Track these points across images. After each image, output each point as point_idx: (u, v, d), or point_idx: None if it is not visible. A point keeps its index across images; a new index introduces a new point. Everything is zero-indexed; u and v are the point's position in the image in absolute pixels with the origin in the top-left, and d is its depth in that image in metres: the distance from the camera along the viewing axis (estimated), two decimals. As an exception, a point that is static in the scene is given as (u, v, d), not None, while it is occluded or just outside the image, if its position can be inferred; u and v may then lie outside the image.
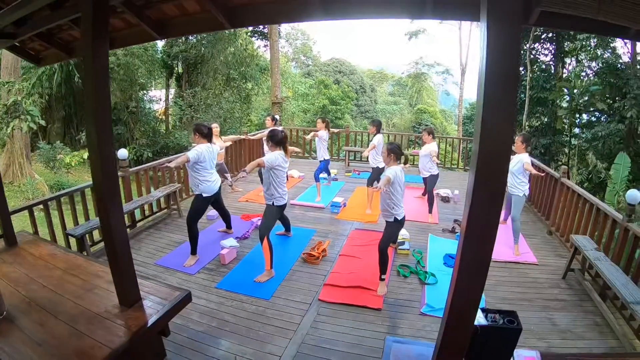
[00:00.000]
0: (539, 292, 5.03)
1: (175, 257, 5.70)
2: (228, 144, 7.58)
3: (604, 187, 12.78)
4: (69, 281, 3.69)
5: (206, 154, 5.43)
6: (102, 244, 5.91)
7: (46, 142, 14.16)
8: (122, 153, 6.49)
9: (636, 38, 3.02)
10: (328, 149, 8.80)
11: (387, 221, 4.94)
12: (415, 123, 31.86)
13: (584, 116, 14.82)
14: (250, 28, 20.05)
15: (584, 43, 14.62)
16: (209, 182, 5.56)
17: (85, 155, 13.07)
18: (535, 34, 15.60)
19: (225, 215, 6.41)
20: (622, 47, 15.06)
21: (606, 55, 15.00)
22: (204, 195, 5.55)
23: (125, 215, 6.37)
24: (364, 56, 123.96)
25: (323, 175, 8.77)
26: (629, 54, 14.36)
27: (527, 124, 16.11)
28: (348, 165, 11.85)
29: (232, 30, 17.98)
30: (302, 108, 27.56)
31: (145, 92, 17.26)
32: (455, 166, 12.51)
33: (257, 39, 21.72)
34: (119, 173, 6.60)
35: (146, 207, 7.01)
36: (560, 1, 2.43)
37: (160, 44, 18.83)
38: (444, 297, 4.65)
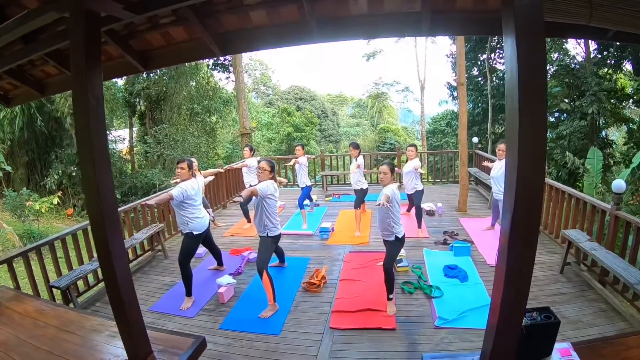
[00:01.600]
0: (541, 289, 5.09)
1: (170, 301, 5.42)
2: (211, 178, 7.41)
3: (573, 183, 13.21)
4: (66, 339, 3.40)
5: (191, 190, 5.22)
6: (88, 294, 5.66)
7: (12, 190, 13.59)
8: None
9: (614, 39, 3.16)
10: (309, 175, 8.76)
11: (387, 241, 4.85)
12: (379, 142, 32.15)
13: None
14: (211, 61, 19.98)
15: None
16: (199, 218, 5.35)
17: (55, 200, 12.61)
18: (491, 44, 16.19)
19: (215, 252, 6.17)
20: (574, 49, 15.87)
21: (555, 57, 15.69)
22: (195, 233, 5.32)
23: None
24: (323, 81, 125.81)
25: (306, 202, 8.68)
26: (583, 54, 15.06)
27: (491, 130, 16.55)
28: (326, 190, 11.80)
29: (194, 63, 18.10)
30: (267, 137, 27.54)
31: (109, 132, 16.71)
32: (425, 180, 12.59)
33: (218, 72, 21.69)
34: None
35: (130, 251, 6.70)
36: (560, 11, 2.53)
37: (120, 82, 18.58)
38: (454, 308, 4.70)
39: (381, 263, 5.12)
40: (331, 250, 6.91)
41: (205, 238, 5.71)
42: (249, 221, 8.48)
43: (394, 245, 4.78)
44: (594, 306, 4.63)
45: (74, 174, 14.98)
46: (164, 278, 6.22)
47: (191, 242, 5.35)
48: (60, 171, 14.87)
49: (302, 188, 8.26)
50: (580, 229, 5.77)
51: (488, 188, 9.35)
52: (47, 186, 14.82)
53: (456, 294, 5.08)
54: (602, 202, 5.53)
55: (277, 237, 5.13)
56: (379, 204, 4.37)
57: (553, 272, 5.56)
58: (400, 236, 4.73)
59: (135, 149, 19.33)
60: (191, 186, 5.25)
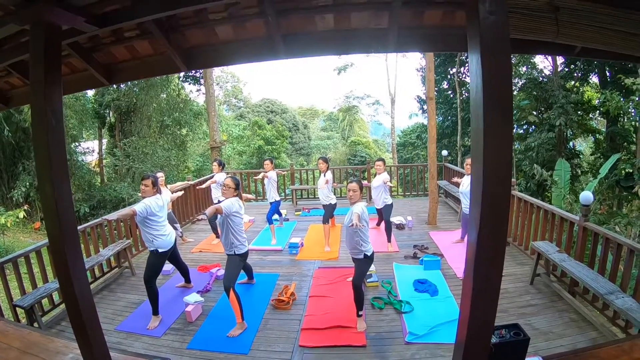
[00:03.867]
0: (511, 302, 5.14)
1: (136, 320, 5.23)
2: (179, 193, 7.20)
3: (542, 193, 13.50)
4: (29, 364, 3.25)
5: (155, 207, 5.06)
6: (54, 312, 5.41)
7: (-24, 202, 12.99)
8: None
9: (581, 54, 3.23)
10: (278, 189, 8.66)
11: (356, 259, 4.81)
12: (350, 155, 32.34)
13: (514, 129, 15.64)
14: (182, 73, 19.70)
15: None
16: (164, 235, 5.19)
17: (21, 214, 12.11)
18: (460, 58, 16.49)
19: (183, 269, 6.00)
20: (541, 62, 16.31)
21: (523, 70, 16.11)
22: (160, 250, 5.16)
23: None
24: (294, 94, 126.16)
25: (275, 216, 8.57)
26: (551, 68, 15.46)
27: (461, 143, 16.81)
28: (296, 204, 11.70)
29: (165, 75, 17.82)
30: (238, 151, 27.28)
31: (77, 143, 16.46)
32: (395, 193, 12.64)
33: (189, 84, 21.48)
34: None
35: (96, 268, 6.45)
36: (527, 29, 2.55)
37: (90, 92, 18.16)
38: (424, 323, 4.68)
39: (351, 279, 5.06)
40: (300, 266, 6.82)
41: (172, 255, 5.56)
42: (218, 236, 8.32)
43: (363, 263, 4.74)
44: (564, 316, 4.70)
45: None
46: (131, 296, 6.00)
47: (156, 260, 5.19)
48: (27, 183, 14.35)
49: (271, 203, 8.15)
50: (549, 240, 5.87)
51: (458, 201, 9.44)
52: (13, 199, 14.35)
53: (426, 309, 5.06)
54: (570, 214, 5.64)
55: (245, 255, 5.04)
56: (351, 225, 4.32)
57: (523, 284, 5.62)
58: (369, 254, 4.70)
59: (104, 161, 18.96)
60: (155, 202, 5.10)
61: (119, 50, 3.47)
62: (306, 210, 10.76)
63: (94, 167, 18.32)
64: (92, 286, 6.30)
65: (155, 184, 5.21)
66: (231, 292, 4.69)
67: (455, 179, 7.72)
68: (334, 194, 8.18)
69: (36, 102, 2.47)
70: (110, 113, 18.64)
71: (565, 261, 4.97)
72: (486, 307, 2.17)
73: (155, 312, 5.14)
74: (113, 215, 5.00)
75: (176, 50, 3.18)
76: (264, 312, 5.27)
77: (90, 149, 18.56)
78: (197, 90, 21.43)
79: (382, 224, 7.69)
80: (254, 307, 5.34)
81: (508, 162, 1.98)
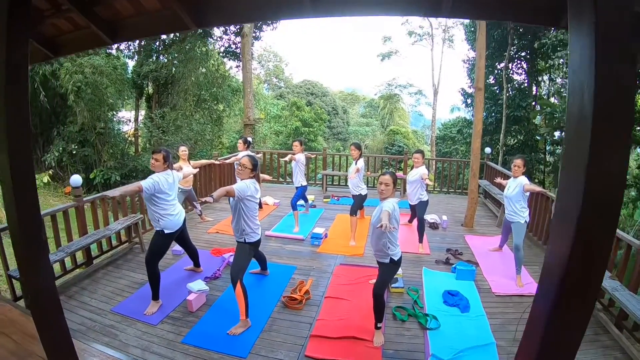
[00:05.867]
0: None
1: (135, 303, 4.84)
2: (195, 170, 6.77)
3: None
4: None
5: (164, 184, 4.61)
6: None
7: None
8: (75, 180, 5.70)
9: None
10: (305, 174, 8.14)
11: (381, 262, 4.21)
12: (387, 144, 31.93)
13: (557, 133, 14.60)
14: (223, 48, 19.43)
15: (556, 62, 14.55)
16: (172, 215, 4.74)
17: (45, 178, 12.12)
18: (510, 53, 15.55)
19: (192, 252, 5.57)
20: None
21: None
22: (166, 231, 4.72)
23: (80, 252, 5.58)
24: (336, 78, 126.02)
25: (300, 202, 8.06)
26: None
27: (503, 142, 15.91)
28: (326, 190, 11.17)
29: (204, 49, 17.84)
30: (275, 130, 27.01)
31: (114, 112, 16.48)
32: (432, 189, 11.94)
33: (229, 60, 21.19)
34: (71, 202, 5.79)
35: (104, 241, 6.14)
36: None
37: (130, 63, 18.26)
38: (451, 345, 3.97)
39: (374, 281, 4.50)
40: (321, 260, 6.28)
41: (181, 236, 5.15)
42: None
43: (389, 268, 4.14)
44: (608, 355, 4.05)
45: (74, 151, 14.65)
46: (136, 275, 5.66)
47: (161, 241, 4.76)
48: (61, 148, 14.49)
49: (297, 187, 7.64)
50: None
51: (498, 203, 8.73)
52: (46, 162, 14.48)
53: (455, 327, 4.46)
54: (628, 236, 4.80)
55: (256, 244, 4.54)
56: (380, 226, 3.69)
57: (565, 309, 4.94)
58: (396, 259, 4.09)
59: (140, 131, 18.93)
60: (165, 179, 4.66)
61: (122, 3, 2.98)
62: (335, 198, 10.20)
63: (129, 137, 18.34)
64: (97, 260, 6.01)
65: (166, 159, 4.75)
66: (238, 285, 4.22)
67: (499, 180, 6.91)
68: (366, 184, 7.58)
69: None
70: (149, 84, 18.53)
71: (618, 290, 4.26)
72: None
73: (155, 296, 4.75)
74: (116, 192, 4.54)
75: (182, 4, 2.64)
76: (273, 309, 4.79)
77: (126, 119, 18.68)
78: (237, 67, 20.99)
79: (415, 222, 7.06)
80: (262, 303, 4.87)
81: (616, 186, 1.31)
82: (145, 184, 4.46)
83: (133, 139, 18.55)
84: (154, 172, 4.66)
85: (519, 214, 5.58)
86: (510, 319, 4.66)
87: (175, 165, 7.16)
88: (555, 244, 1.51)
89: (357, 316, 4.55)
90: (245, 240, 4.39)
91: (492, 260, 6.29)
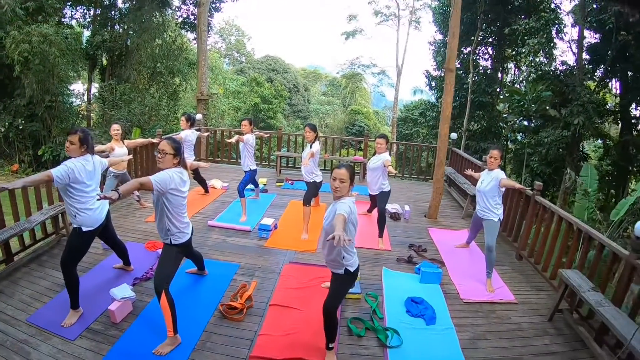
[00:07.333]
0: (526, 345, 4.00)
1: (53, 311, 3.93)
2: (129, 157, 5.76)
3: (551, 194, 12.30)
4: None
5: (81, 171, 3.67)
6: None
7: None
8: None
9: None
10: (258, 155, 7.26)
11: (334, 273, 3.46)
12: (348, 124, 31.95)
13: (524, 122, 14.35)
14: (181, 19, 18.45)
15: (526, 50, 14.26)
16: (90, 210, 3.80)
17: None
18: (477, 38, 15.22)
19: (120, 250, 4.65)
20: (561, 55, 15.25)
21: (538, 60, 15.35)
22: (85, 229, 3.79)
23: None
24: (299, 54, 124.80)
25: (250, 186, 7.22)
26: (575, 60, 14.10)
27: (466, 127, 15.57)
28: (280, 173, 10.25)
29: (161, 19, 17.02)
30: (233, 106, 26.02)
31: (65, 85, 15.22)
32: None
33: (187, 31, 19.95)
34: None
35: (26, 235, 5.13)
36: None
37: (86, 33, 17.17)
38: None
39: (327, 284, 3.75)
40: (268, 257, 5.48)
41: (105, 232, 4.26)
42: (207, 191, 7.82)
43: (344, 280, 3.38)
44: (588, 375, 3.51)
45: (21, 127, 13.61)
46: (59, 274, 4.53)
47: (79, 241, 3.85)
48: (7, 123, 13.49)
49: (245, 172, 6.74)
50: (578, 268, 4.56)
51: (463, 193, 8.19)
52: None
53: (420, 343, 3.81)
54: (616, 245, 4.23)
55: (184, 245, 3.69)
56: (330, 239, 2.74)
57: (540, 319, 4.43)
58: (352, 269, 3.33)
59: (92, 105, 17.75)
60: (83, 166, 3.69)
61: None
62: (290, 182, 9.37)
63: (82, 111, 17.08)
64: (17, 257, 4.98)
65: (84, 141, 3.76)
66: (162, 296, 3.39)
67: (469, 172, 6.18)
68: (321, 170, 6.80)
69: None
70: (103, 56, 17.49)
71: (603, 306, 3.70)
72: None
73: (75, 304, 3.87)
74: (17, 183, 3.54)
75: None
76: (208, 320, 3.99)
77: (80, 93, 17.56)
78: (194, 39, 19.75)
79: (375, 212, 6.36)
80: (196, 312, 4.08)
81: None
82: (56, 172, 3.48)
83: (86, 113, 17.39)
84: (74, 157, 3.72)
85: (493, 210, 4.97)
86: (481, 332, 4.13)
87: (106, 146, 6.17)
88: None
89: (307, 331, 3.81)
90: (171, 241, 3.56)
91: (459, 259, 5.71)
